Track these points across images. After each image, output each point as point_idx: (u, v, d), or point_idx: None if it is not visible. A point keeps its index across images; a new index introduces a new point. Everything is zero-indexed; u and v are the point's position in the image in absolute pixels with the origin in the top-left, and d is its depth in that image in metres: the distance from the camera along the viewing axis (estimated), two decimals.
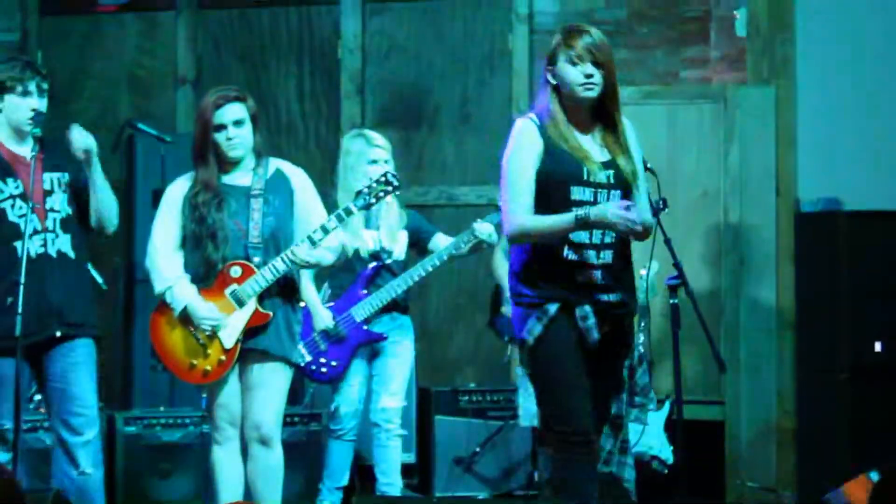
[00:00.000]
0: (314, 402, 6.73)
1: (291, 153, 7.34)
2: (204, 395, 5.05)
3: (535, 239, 4.39)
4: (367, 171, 5.89)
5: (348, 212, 5.03)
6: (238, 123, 5.00)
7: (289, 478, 5.22)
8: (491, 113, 7.78)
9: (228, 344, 4.96)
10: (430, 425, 6.96)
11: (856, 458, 6.39)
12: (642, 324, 6.30)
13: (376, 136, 6.12)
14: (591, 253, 4.38)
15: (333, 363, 5.99)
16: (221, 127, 4.98)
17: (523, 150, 4.40)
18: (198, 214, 4.97)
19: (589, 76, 4.35)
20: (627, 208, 4.28)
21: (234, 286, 4.96)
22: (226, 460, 5.07)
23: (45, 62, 7.40)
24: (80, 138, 4.92)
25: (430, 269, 6.01)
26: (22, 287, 4.69)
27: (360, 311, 6.00)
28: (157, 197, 5.35)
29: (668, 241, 5.08)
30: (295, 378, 5.24)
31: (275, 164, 5.14)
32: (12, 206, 4.94)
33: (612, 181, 4.42)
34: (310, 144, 7.83)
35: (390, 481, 6.10)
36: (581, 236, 4.37)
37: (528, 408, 6.31)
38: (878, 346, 6.73)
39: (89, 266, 5.25)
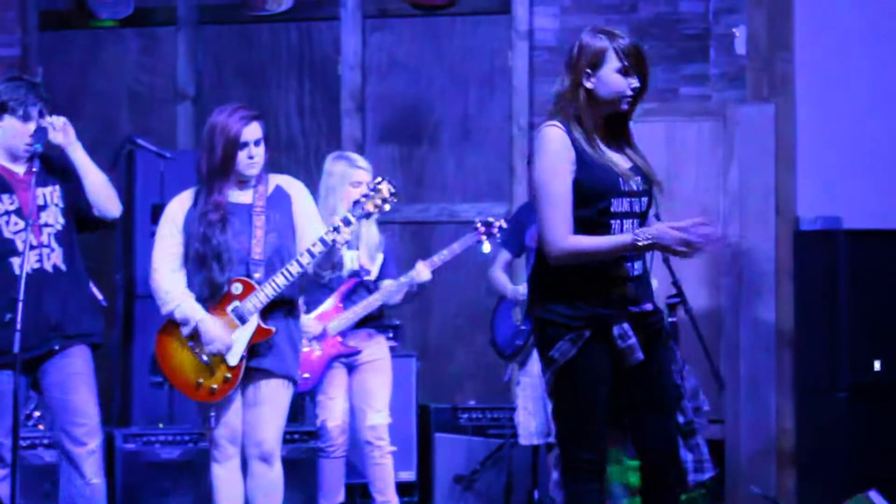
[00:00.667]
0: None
1: (291, 170, 7.31)
2: (213, 414, 5.01)
3: (585, 260, 4.11)
4: (349, 193, 5.90)
5: (347, 222, 5.02)
6: (258, 142, 4.99)
7: (288, 495, 5.22)
8: (491, 129, 7.79)
9: (233, 361, 4.96)
10: (430, 443, 6.95)
11: (855, 476, 6.39)
12: None
13: (358, 158, 6.14)
14: (629, 266, 4.15)
15: (305, 375, 5.96)
16: (244, 145, 4.96)
17: (560, 159, 4.09)
18: (203, 234, 4.93)
19: (635, 89, 4.16)
20: (695, 228, 4.01)
21: (236, 303, 4.95)
22: (226, 478, 5.07)
23: (45, 78, 7.41)
24: (53, 120, 4.91)
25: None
26: (20, 304, 4.67)
27: (335, 326, 6.02)
28: (156, 212, 5.34)
29: (666, 260, 5.06)
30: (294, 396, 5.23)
31: (274, 180, 5.13)
32: (7, 222, 4.93)
33: (640, 188, 4.19)
34: (310, 161, 7.82)
35: (386, 499, 6.08)
36: None
37: (527, 427, 6.31)
38: (877, 365, 6.73)
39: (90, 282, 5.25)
